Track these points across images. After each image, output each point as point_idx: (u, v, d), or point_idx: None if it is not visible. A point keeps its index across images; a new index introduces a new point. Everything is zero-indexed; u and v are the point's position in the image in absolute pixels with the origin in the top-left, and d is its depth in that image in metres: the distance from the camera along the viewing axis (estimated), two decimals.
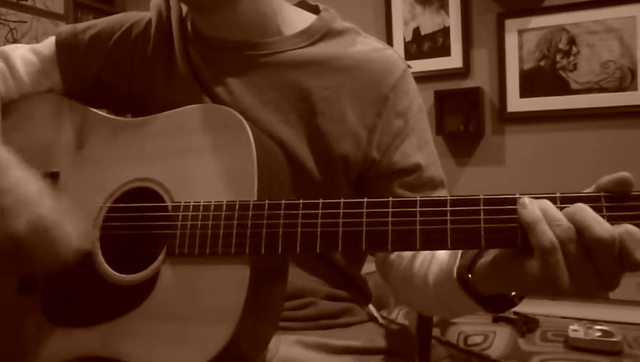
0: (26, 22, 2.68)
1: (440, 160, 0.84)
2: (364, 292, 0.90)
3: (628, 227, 0.49)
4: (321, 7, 0.87)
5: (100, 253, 0.72)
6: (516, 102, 2.44)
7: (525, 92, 2.42)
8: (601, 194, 0.52)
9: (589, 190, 0.54)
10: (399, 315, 1.97)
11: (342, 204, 0.60)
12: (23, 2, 2.68)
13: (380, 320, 0.90)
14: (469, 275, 0.63)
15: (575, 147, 2.34)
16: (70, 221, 0.67)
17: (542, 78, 2.40)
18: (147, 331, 0.66)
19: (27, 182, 0.66)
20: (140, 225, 0.70)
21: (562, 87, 2.36)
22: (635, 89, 2.25)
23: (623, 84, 2.27)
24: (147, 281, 0.67)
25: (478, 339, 1.75)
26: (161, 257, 0.67)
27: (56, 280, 0.74)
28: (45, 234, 0.64)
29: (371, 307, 0.92)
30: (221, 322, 0.62)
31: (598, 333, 1.64)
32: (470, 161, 2.54)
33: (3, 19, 2.59)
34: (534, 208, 0.52)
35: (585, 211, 0.51)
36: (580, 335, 1.65)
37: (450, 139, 2.54)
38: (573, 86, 2.35)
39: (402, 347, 0.85)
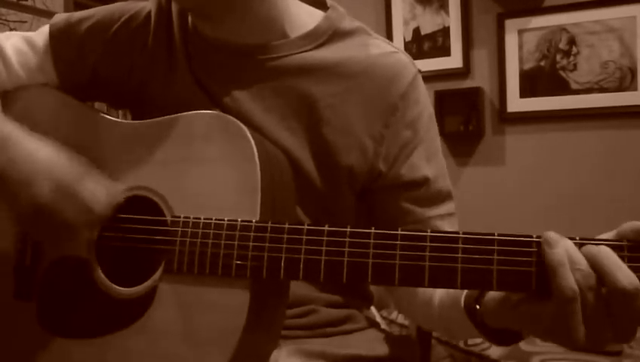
0: (26, 22, 2.67)
1: None
2: (365, 295, 0.88)
3: None
4: (329, 2, 0.82)
5: (96, 261, 0.70)
6: (516, 102, 2.43)
7: (525, 92, 2.42)
8: (625, 243, 0.49)
9: (608, 235, 0.51)
10: (399, 316, 1.97)
11: (348, 233, 0.58)
12: (23, 2, 2.68)
13: (382, 324, 0.89)
14: (477, 306, 0.60)
15: (575, 147, 2.34)
16: (91, 176, 0.67)
17: (542, 78, 2.39)
18: (143, 349, 0.64)
19: (40, 150, 0.67)
20: (138, 238, 0.68)
21: (562, 87, 2.36)
22: (635, 89, 2.25)
23: (623, 84, 2.27)
24: (145, 296, 0.65)
25: (478, 339, 1.75)
26: (159, 273, 0.65)
27: (52, 287, 0.72)
28: (70, 194, 0.65)
29: (373, 309, 0.91)
30: (219, 344, 0.60)
31: None
32: (470, 161, 2.54)
33: (3, 20, 2.58)
34: (560, 249, 0.49)
35: (607, 255, 0.47)
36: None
37: (450, 139, 2.54)
38: (573, 86, 2.35)
39: (404, 353, 0.83)
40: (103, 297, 0.68)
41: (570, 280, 0.47)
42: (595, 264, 0.47)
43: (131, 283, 0.67)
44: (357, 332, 0.82)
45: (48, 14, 2.78)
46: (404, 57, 0.80)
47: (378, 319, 0.90)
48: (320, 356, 0.75)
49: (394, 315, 1.98)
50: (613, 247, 0.49)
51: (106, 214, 0.68)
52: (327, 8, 0.81)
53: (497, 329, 0.59)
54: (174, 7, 0.82)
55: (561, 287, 0.47)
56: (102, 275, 0.69)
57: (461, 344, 1.75)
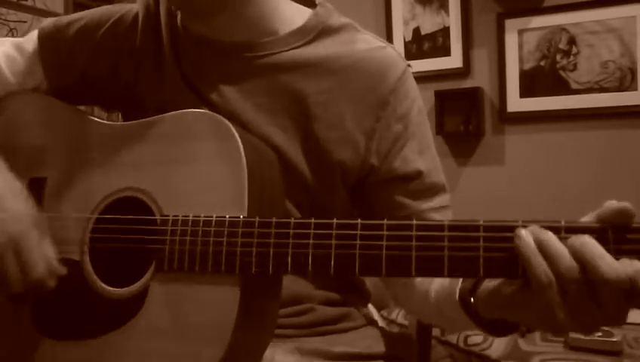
0: (25, 22, 2.68)
1: (440, 160, 0.82)
2: (362, 292, 0.88)
3: (638, 265, 0.46)
4: (318, 0, 0.82)
5: (88, 263, 0.70)
6: (516, 102, 2.43)
7: (525, 92, 2.42)
8: (608, 226, 0.49)
9: (588, 218, 0.51)
10: (399, 315, 1.97)
11: (334, 225, 0.58)
12: (23, 2, 2.68)
13: (380, 322, 0.89)
14: (472, 299, 0.61)
15: (575, 147, 2.33)
16: (45, 237, 0.67)
17: (542, 78, 2.39)
18: (137, 349, 0.65)
19: (5, 198, 0.66)
20: (128, 238, 0.68)
21: (562, 87, 2.36)
22: (635, 89, 2.24)
23: (623, 84, 2.27)
24: (136, 296, 0.66)
25: (478, 339, 1.75)
26: (149, 273, 0.66)
27: (47, 290, 0.72)
28: (18, 253, 0.64)
29: (371, 307, 0.91)
30: (212, 341, 0.60)
31: (598, 333, 1.64)
32: (470, 161, 2.54)
33: (3, 20, 2.58)
34: (529, 240, 0.50)
35: (589, 246, 0.47)
36: (580, 335, 1.65)
37: (450, 139, 2.53)
38: (573, 86, 2.34)
39: (402, 351, 0.83)
40: (96, 298, 0.68)
41: (542, 268, 0.48)
42: (576, 255, 0.48)
43: (124, 284, 0.67)
44: (354, 331, 0.82)
45: (48, 14, 2.78)
46: (393, 52, 0.80)
47: (376, 317, 0.90)
48: (317, 354, 0.75)
49: (393, 315, 1.98)
50: (598, 232, 0.49)
51: (45, 280, 0.66)
52: (316, 6, 0.81)
53: (491, 320, 0.60)
54: (162, 8, 0.82)
55: (534, 276, 0.48)
56: (94, 277, 0.69)
57: (461, 344, 1.75)
